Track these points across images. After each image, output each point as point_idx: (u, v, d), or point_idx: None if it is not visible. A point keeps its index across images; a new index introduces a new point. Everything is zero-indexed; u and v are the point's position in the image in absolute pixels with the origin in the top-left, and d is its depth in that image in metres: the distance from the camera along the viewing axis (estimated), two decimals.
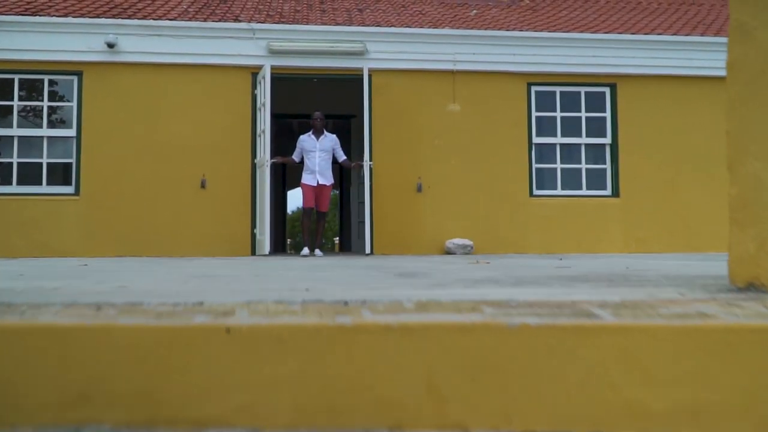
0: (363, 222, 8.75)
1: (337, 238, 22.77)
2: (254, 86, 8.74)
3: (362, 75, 8.67)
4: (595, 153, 9.48)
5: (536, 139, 9.22)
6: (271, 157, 8.31)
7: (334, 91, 11.29)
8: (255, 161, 8.56)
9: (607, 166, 9.36)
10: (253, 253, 8.40)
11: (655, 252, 9.17)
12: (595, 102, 9.43)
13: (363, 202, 10.38)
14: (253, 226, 8.56)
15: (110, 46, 8.40)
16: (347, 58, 8.82)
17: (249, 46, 8.73)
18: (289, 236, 28.54)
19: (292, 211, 42.48)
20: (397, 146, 8.88)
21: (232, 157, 8.66)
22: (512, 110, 9.15)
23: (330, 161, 8.05)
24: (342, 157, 8.19)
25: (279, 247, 15.66)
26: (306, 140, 8.02)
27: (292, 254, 8.95)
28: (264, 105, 8.24)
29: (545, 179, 9.38)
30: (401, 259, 6.33)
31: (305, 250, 7.82)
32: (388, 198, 8.72)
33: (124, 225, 8.43)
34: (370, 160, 8.16)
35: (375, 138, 8.58)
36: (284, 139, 12.34)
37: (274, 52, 8.69)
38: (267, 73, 8.23)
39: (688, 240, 9.26)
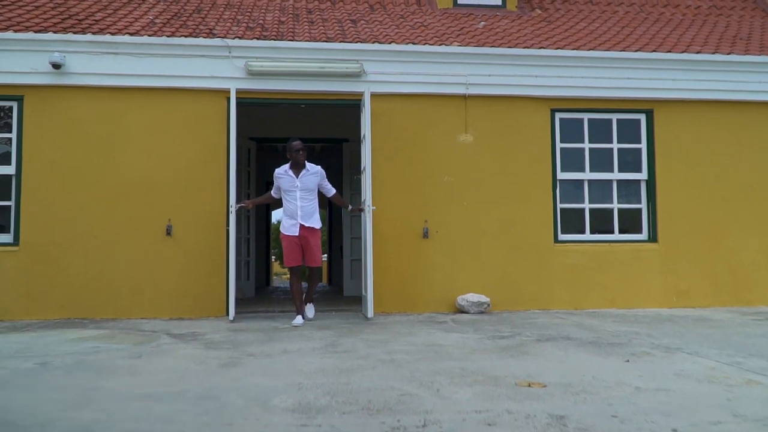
0: (362, 264, 7.43)
1: (324, 256, 21.21)
2: (228, 110, 7.38)
3: (360, 100, 7.32)
4: (629, 190, 8.18)
5: (561, 175, 7.90)
6: (238, 200, 6.98)
7: (324, 112, 9.92)
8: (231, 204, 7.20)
9: (643, 205, 8.06)
10: (227, 312, 7.00)
11: (699, 306, 7.89)
12: (628, 131, 8.14)
13: (360, 239, 9.04)
14: (228, 281, 7.18)
15: (56, 66, 6.97)
16: (341, 81, 7.47)
17: (224, 65, 7.34)
18: (273, 255, 27.08)
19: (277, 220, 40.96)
20: (399, 184, 7.53)
21: (205, 198, 7.26)
22: (534, 141, 7.84)
23: (316, 201, 6.43)
24: (331, 191, 6.56)
25: (263, 281, 14.23)
26: (283, 177, 6.35)
27: (278, 316, 7.54)
28: (230, 137, 6.90)
29: (571, 222, 8.06)
30: (406, 332, 4.89)
31: (298, 320, 6.30)
32: (389, 245, 7.35)
33: (73, 281, 7.00)
34: (372, 204, 6.79)
35: (374, 174, 7.23)
36: (271, 167, 10.95)
37: (254, 74, 7.31)
38: (232, 98, 6.88)
39: (736, 292, 7.98)
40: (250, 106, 8.13)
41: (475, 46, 7.74)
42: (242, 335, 5.54)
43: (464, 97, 7.72)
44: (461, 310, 7.35)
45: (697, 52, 8.05)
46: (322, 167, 6.48)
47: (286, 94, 7.49)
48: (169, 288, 7.11)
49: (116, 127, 7.23)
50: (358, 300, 8.62)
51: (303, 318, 6.40)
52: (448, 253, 7.59)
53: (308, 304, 6.73)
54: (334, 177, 12.93)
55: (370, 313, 6.71)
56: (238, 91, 7.15)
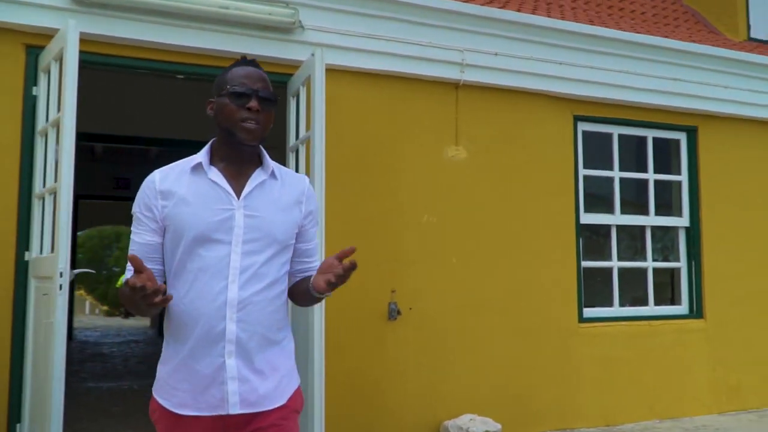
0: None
1: None
2: (35, 77, 3.71)
3: (291, 76, 4.05)
4: (664, 241, 5.69)
5: (584, 218, 5.18)
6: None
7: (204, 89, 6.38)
8: (27, 254, 3.56)
9: (683, 264, 5.58)
10: None
11: (753, 408, 5.57)
12: (664, 155, 5.66)
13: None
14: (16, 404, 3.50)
15: None
16: (258, 38, 4.11)
17: None
18: None
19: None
20: (349, 227, 4.31)
21: None
22: (551, 162, 5.04)
23: (284, 291, 1.83)
24: (316, 261, 1.93)
25: None
26: (188, 198, 1.73)
27: None
28: (60, 120, 3.28)
29: (595, 288, 5.38)
30: None
31: None
32: (329, 334, 4.06)
33: None
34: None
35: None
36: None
37: (89, 3, 3.72)
38: (70, 46, 3.24)
39: None
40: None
41: (478, 4, 4.78)
42: None
43: (456, 85, 4.71)
44: None
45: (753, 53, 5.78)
46: None
47: (155, 52, 3.96)
48: None
49: None
50: None
51: None
52: (428, 345, 4.50)
53: None
54: None
55: None
56: (43, 33, 3.53)
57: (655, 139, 5.52)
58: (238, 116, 1.70)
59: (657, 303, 5.46)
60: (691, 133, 5.61)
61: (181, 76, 4.16)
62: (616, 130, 5.35)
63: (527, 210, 4.90)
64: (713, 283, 5.53)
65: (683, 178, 5.58)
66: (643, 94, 5.29)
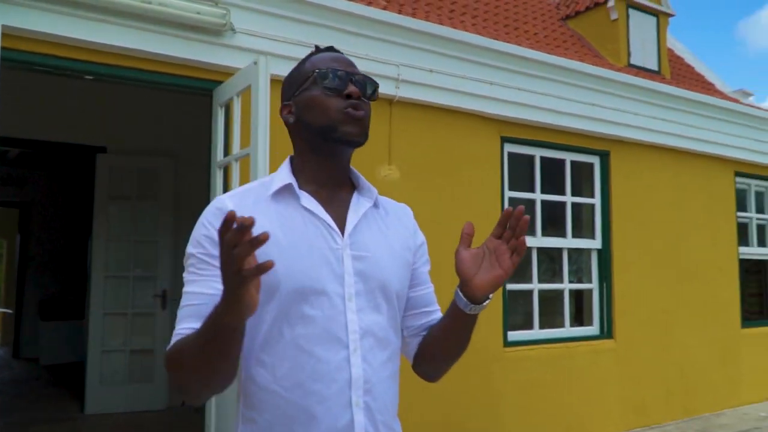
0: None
1: None
2: None
3: (218, 84, 3.64)
4: (579, 263, 5.77)
5: None
6: None
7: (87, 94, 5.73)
8: None
9: (594, 285, 5.69)
10: None
11: (656, 423, 5.79)
12: (579, 179, 5.75)
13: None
14: None
15: None
16: (182, 39, 3.65)
17: None
18: None
19: None
20: None
21: None
22: (481, 183, 4.94)
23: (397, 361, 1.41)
24: (438, 311, 1.51)
25: None
26: (278, 235, 1.26)
27: None
28: None
29: (517, 311, 5.35)
30: None
31: None
32: None
33: None
34: None
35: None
36: None
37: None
38: None
39: (686, 400, 6.09)
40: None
41: (415, 18, 4.57)
42: None
43: (390, 101, 4.48)
44: None
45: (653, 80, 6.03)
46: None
47: (61, 48, 3.39)
48: None
49: None
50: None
51: None
52: None
53: None
54: (69, 213, 8.79)
55: None
56: None
57: (572, 162, 5.59)
58: (338, 105, 1.28)
59: (571, 324, 5.53)
60: (604, 157, 5.74)
61: (90, 77, 3.61)
62: (538, 152, 5.35)
63: (457, 233, 4.75)
64: (622, 303, 5.69)
65: (596, 201, 5.70)
66: (564, 118, 5.33)
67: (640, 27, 8.94)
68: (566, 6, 10.40)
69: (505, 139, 5.10)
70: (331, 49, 1.39)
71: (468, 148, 4.86)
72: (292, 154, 1.38)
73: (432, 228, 4.49)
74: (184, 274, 1.24)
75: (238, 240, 0.93)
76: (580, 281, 5.71)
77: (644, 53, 9.05)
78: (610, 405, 5.53)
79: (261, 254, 1.07)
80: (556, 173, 5.50)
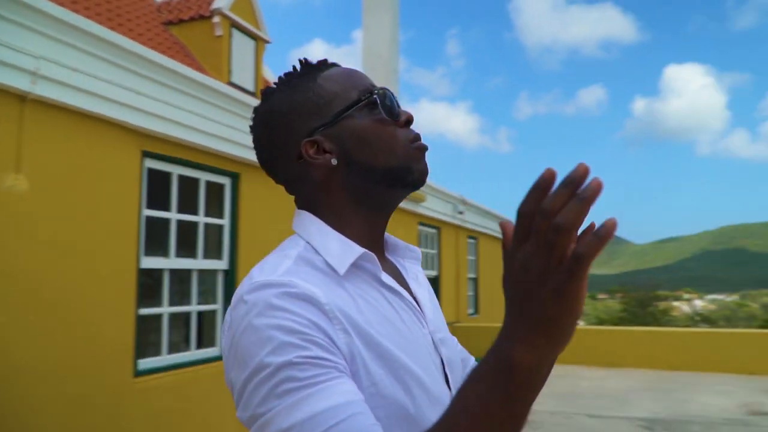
0: None
1: None
2: None
3: None
4: (207, 284, 5.66)
5: (145, 261, 4.75)
6: None
7: None
8: None
9: (219, 307, 5.68)
10: None
11: None
12: (215, 200, 5.67)
13: None
14: None
15: None
16: None
17: None
18: None
19: None
20: None
21: None
22: (119, 201, 4.46)
23: None
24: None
25: None
26: (372, 331, 0.85)
27: None
28: None
29: (146, 338, 4.95)
30: None
31: None
32: None
33: None
34: None
35: None
36: None
37: None
38: None
39: None
40: None
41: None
42: None
43: (23, 98, 3.73)
44: None
45: None
46: None
47: None
48: None
49: None
50: None
51: None
52: None
53: None
54: None
55: None
56: None
57: (207, 182, 5.51)
58: (404, 137, 0.95)
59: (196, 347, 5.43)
60: (235, 179, 5.82)
61: None
62: (176, 170, 5.13)
63: (91, 253, 4.22)
64: None
65: (226, 221, 5.74)
66: (202, 136, 5.23)
67: (241, 48, 9.34)
68: (169, 11, 10.18)
69: (146, 154, 4.74)
70: (335, 64, 1.02)
71: (108, 160, 4.37)
72: (303, 209, 1.00)
73: (64, 249, 3.92)
74: (272, 403, 0.75)
75: (564, 200, 0.58)
76: (207, 303, 5.64)
77: (243, 73, 9.48)
78: (229, 428, 5.59)
79: (368, 363, 0.80)
80: (192, 192, 5.35)
